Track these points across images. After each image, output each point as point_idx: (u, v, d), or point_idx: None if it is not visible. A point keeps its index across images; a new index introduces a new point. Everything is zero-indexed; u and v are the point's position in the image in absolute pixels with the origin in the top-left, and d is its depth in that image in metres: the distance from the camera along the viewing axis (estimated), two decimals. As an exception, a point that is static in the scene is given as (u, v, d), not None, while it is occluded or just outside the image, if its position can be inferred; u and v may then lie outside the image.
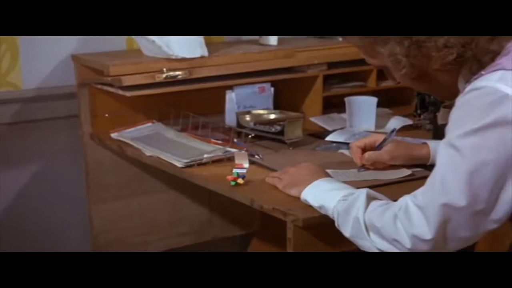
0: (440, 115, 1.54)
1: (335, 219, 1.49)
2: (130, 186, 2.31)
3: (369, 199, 1.45)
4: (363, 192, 1.47)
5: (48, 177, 2.35)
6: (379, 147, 1.81)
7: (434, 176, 1.34)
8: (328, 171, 1.73)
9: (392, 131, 1.83)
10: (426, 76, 1.42)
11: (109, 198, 2.28)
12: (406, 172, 1.79)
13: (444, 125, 1.38)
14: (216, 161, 1.91)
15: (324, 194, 1.54)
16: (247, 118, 2.16)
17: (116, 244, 2.31)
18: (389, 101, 2.46)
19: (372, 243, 1.41)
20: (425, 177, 1.71)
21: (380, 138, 1.82)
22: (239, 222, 2.54)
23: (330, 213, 1.51)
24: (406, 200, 1.38)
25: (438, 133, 2.07)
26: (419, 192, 1.37)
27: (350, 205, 1.46)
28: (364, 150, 1.82)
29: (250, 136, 2.00)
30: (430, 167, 1.77)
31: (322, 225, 1.55)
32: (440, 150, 1.35)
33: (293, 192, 1.64)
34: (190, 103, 2.21)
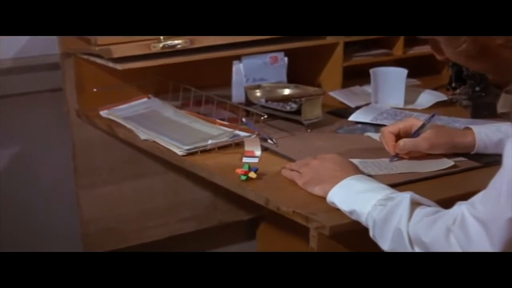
0: (500, 102, 1.33)
1: (370, 228, 1.29)
2: (124, 168, 2.13)
3: (413, 205, 1.24)
4: (406, 197, 1.25)
5: (30, 159, 2.20)
6: (416, 133, 1.58)
7: (500, 182, 1.11)
8: (355, 161, 1.52)
9: (432, 116, 1.61)
10: (487, 53, 1.19)
11: (99, 182, 2.11)
12: (447, 162, 1.56)
13: (505, 114, 1.14)
14: (223, 147, 1.69)
15: (355, 197, 1.34)
16: (257, 93, 1.94)
17: (109, 232, 2.16)
18: (416, 70, 2.23)
19: (417, 260, 1.19)
20: (470, 169, 1.54)
21: (417, 123, 1.59)
22: (246, 206, 2.36)
23: (363, 220, 1.30)
24: (462, 210, 1.16)
25: (477, 111, 1.86)
26: (478, 200, 1.14)
27: (390, 213, 1.25)
28: (398, 136, 1.59)
29: (263, 118, 1.75)
30: (474, 156, 1.58)
31: (353, 233, 1.34)
32: (507, 148, 1.12)
33: (316, 190, 1.43)
34: (191, 76, 2.00)
